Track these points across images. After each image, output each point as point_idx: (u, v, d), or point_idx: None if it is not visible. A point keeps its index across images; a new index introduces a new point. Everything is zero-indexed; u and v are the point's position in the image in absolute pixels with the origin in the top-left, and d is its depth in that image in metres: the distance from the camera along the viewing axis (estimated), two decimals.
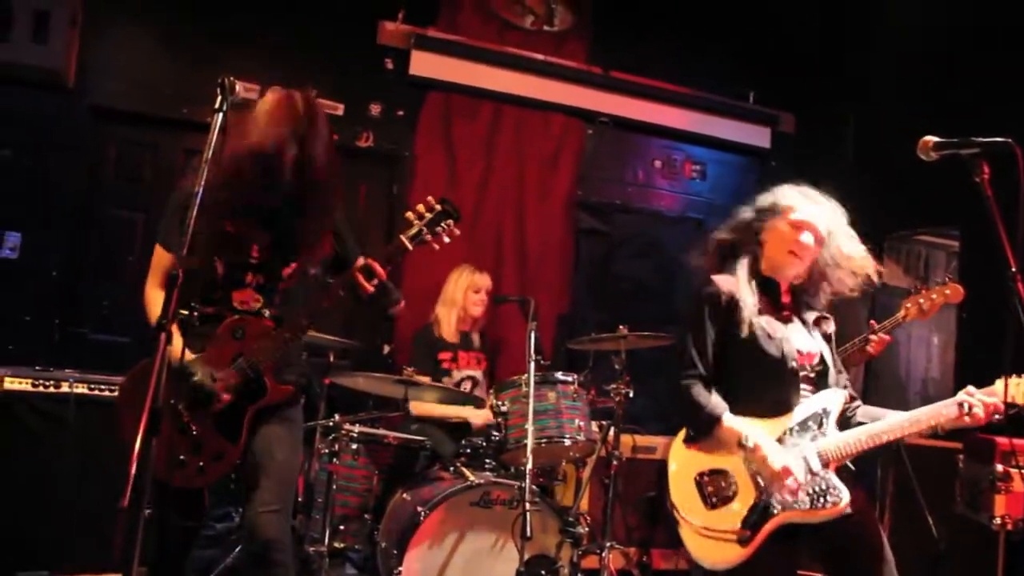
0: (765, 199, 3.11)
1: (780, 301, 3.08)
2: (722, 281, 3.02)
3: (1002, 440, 3.75)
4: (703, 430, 2.93)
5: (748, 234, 3.09)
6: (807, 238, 2.99)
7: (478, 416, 4.75)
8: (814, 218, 3.01)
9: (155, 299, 2.95)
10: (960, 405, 2.82)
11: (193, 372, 2.81)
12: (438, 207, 2.95)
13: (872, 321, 4.10)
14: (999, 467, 3.78)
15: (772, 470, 2.79)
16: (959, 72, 5.79)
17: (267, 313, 2.96)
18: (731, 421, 2.88)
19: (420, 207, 2.95)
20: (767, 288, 3.06)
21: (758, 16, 6.74)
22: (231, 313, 2.92)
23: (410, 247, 2.93)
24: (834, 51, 6.72)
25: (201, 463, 2.84)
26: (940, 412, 2.84)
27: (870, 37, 6.46)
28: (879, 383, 6.50)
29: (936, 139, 2.57)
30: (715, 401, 2.92)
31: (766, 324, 2.96)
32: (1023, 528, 3.78)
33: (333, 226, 3.03)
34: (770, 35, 6.75)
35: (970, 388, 2.84)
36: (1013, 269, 2.34)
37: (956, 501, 4.07)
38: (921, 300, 3.88)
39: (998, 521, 3.75)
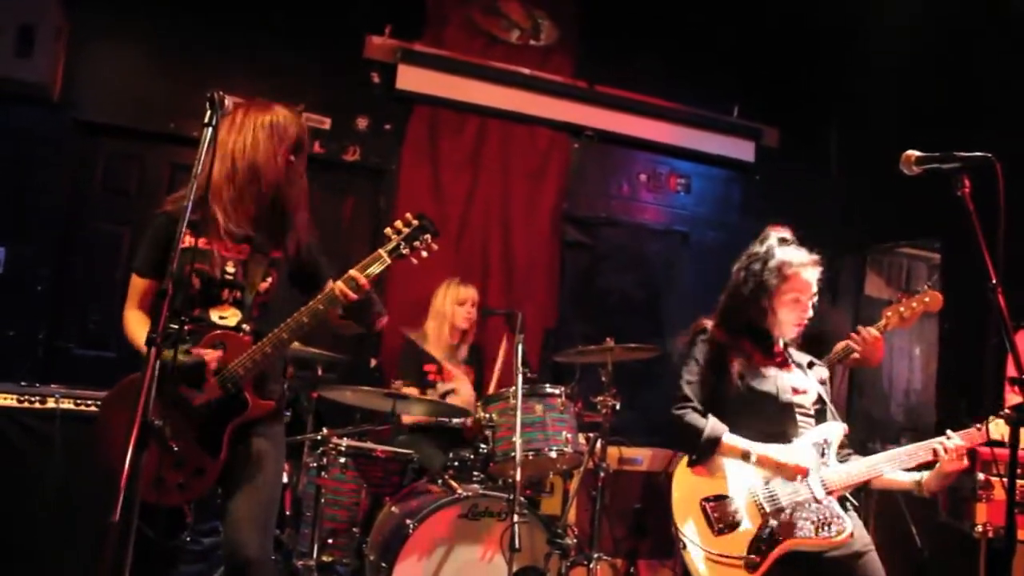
0: (764, 258, 3.12)
1: (772, 351, 3.15)
2: (713, 329, 3.13)
3: (983, 449, 3.79)
4: (705, 452, 2.98)
5: (755, 301, 3.10)
6: (807, 300, 3.10)
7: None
8: (812, 280, 3.10)
9: (135, 322, 2.95)
10: (934, 449, 2.98)
11: (170, 359, 2.50)
12: (415, 222, 2.98)
13: (859, 327, 4.16)
14: (980, 476, 3.82)
15: (788, 469, 2.91)
16: (941, 85, 5.86)
17: (246, 328, 2.94)
18: (731, 439, 2.95)
19: (398, 223, 2.98)
20: (760, 339, 3.13)
21: (742, 30, 6.80)
22: (211, 328, 2.90)
23: (389, 260, 2.96)
24: (817, 65, 6.77)
25: (181, 480, 2.82)
26: (918, 451, 3.00)
27: (853, 51, 6.52)
28: (862, 394, 6.54)
29: (918, 154, 2.61)
30: (712, 423, 2.98)
31: (758, 367, 3.06)
32: (1004, 535, 3.82)
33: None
34: (753, 49, 6.81)
35: (948, 432, 2.99)
36: (993, 281, 2.37)
37: (939, 510, 4.11)
38: (901, 309, 3.93)
39: (980, 529, 3.79)
